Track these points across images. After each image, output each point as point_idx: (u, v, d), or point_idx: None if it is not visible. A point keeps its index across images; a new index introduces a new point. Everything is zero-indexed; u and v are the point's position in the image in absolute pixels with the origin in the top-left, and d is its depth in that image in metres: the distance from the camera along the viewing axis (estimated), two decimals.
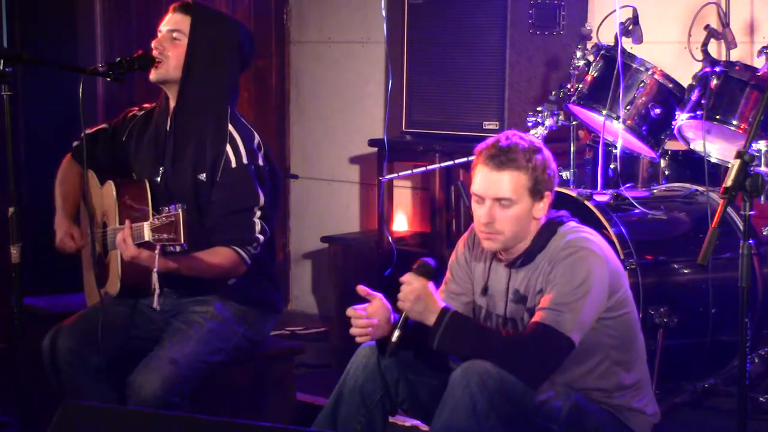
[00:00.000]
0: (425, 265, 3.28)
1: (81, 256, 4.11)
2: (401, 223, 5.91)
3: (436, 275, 3.30)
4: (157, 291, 3.48)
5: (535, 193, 3.29)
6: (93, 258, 3.85)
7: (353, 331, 3.32)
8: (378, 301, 3.33)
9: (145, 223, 3.45)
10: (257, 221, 3.73)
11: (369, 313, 3.30)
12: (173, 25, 3.83)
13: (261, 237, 3.74)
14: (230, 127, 3.80)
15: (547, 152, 3.34)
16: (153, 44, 3.82)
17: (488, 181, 3.29)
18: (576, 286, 3.19)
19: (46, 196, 4.06)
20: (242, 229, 3.71)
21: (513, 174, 3.27)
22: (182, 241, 3.38)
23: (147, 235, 3.43)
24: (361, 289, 3.32)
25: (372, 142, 5.45)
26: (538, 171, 3.28)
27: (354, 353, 3.43)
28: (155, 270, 3.45)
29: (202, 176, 3.78)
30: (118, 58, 3.78)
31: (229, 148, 3.77)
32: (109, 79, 3.75)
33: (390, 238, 5.33)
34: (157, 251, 3.43)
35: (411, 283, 3.23)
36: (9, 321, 3.55)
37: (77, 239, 3.91)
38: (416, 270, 3.27)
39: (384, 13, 5.32)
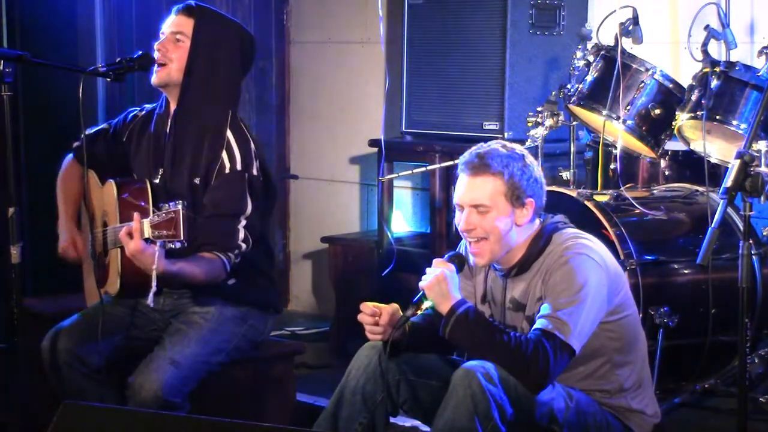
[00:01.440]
0: (460, 257, 3.33)
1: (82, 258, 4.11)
2: (401, 223, 5.91)
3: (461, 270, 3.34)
4: (154, 289, 3.46)
5: (514, 200, 3.27)
6: (93, 258, 3.85)
7: (366, 328, 3.32)
8: (392, 308, 3.33)
9: (145, 220, 3.44)
10: (241, 229, 3.72)
11: (380, 314, 3.30)
12: (176, 27, 3.83)
13: (243, 245, 3.73)
14: (228, 133, 3.79)
15: (529, 159, 3.32)
16: (156, 47, 3.82)
17: (464, 188, 3.30)
18: (574, 292, 3.18)
19: (46, 196, 4.05)
20: (225, 235, 3.70)
21: (488, 179, 3.26)
22: (181, 238, 3.38)
23: (147, 232, 3.42)
24: (366, 306, 3.32)
25: (372, 143, 5.44)
26: (515, 177, 3.26)
27: (355, 354, 3.43)
28: (154, 267, 3.44)
29: (197, 180, 3.78)
30: (118, 59, 3.78)
31: (224, 154, 3.76)
32: (109, 80, 3.75)
33: (390, 238, 5.32)
34: (157, 248, 3.42)
35: (439, 266, 3.24)
36: (9, 321, 3.54)
37: (79, 248, 3.90)
38: (450, 258, 3.30)
39: (381, 13, 5.32)
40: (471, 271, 3.50)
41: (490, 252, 3.31)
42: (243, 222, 3.73)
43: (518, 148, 3.35)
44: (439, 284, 3.21)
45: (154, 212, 3.44)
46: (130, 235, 3.44)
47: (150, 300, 3.48)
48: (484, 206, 3.26)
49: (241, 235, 3.72)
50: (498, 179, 3.26)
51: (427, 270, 3.26)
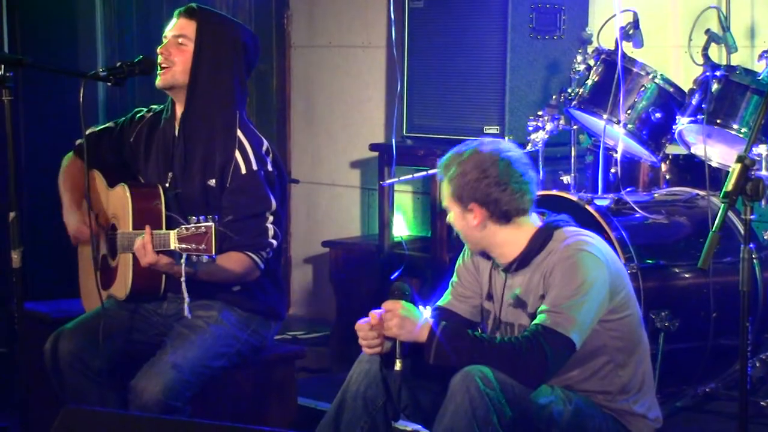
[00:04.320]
0: (399, 287, 3.30)
1: (78, 257, 4.10)
2: (402, 227, 5.91)
3: (411, 293, 3.30)
4: (188, 299, 3.48)
5: (460, 202, 3.29)
6: (95, 260, 3.83)
7: (362, 342, 3.32)
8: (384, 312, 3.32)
9: (171, 231, 3.44)
10: (270, 226, 3.74)
11: (374, 327, 3.28)
12: (179, 30, 3.82)
13: (274, 242, 3.74)
14: (239, 133, 3.80)
15: (474, 161, 3.26)
16: (159, 50, 3.82)
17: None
18: (575, 288, 3.18)
19: (47, 201, 4.05)
20: (256, 235, 3.71)
21: (443, 182, 3.34)
22: (212, 253, 3.38)
23: (172, 244, 3.42)
24: (373, 315, 3.30)
25: (373, 147, 5.45)
26: (455, 179, 3.28)
27: (356, 358, 3.43)
28: (183, 279, 3.44)
29: (212, 182, 3.78)
30: (119, 63, 3.77)
31: (238, 155, 3.76)
32: (109, 84, 3.74)
33: (391, 242, 5.32)
34: (183, 260, 3.42)
35: (392, 310, 3.22)
36: (10, 326, 3.55)
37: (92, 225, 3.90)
38: (392, 295, 3.27)
39: (392, 16, 5.31)
40: (476, 268, 3.50)
41: (471, 245, 3.41)
42: (270, 218, 3.74)
43: (490, 152, 3.29)
44: (404, 325, 3.20)
45: (182, 225, 3.44)
46: (144, 246, 3.46)
47: (186, 311, 3.50)
48: (446, 207, 3.34)
49: (271, 232, 3.73)
50: (446, 181, 3.33)
51: (383, 316, 3.22)
